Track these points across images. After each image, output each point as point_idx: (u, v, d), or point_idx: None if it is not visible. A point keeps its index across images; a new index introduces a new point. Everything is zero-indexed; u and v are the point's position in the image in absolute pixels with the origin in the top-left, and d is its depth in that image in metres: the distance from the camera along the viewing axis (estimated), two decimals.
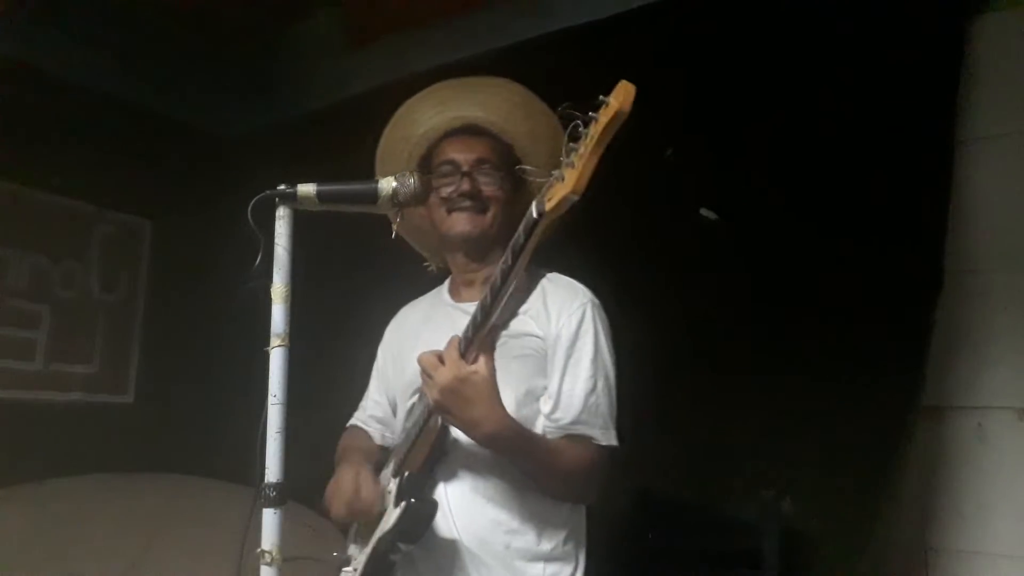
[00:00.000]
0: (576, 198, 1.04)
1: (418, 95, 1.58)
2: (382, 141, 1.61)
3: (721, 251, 2.41)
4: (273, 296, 1.19)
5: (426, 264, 1.70)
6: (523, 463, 1.29)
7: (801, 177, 2.24)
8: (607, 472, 1.36)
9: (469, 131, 1.50)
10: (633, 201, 2.30)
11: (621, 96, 0.97)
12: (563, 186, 1.04)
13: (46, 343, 3.13)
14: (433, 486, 1.34)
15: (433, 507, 1.28)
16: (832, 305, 2.15)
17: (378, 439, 1.63)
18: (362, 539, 1.42)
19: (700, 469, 2.29)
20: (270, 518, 1.14)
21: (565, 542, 1.35)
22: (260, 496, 1.14)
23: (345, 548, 1.50)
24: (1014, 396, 1.94)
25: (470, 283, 1.52)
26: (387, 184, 1.24)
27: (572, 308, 1.39)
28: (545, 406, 1.36)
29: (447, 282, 1.62)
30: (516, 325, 1.39)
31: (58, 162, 3.08)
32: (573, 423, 1.33)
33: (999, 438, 1.95)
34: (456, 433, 1.33)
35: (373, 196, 1.25)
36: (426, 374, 1.23)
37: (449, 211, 1.46)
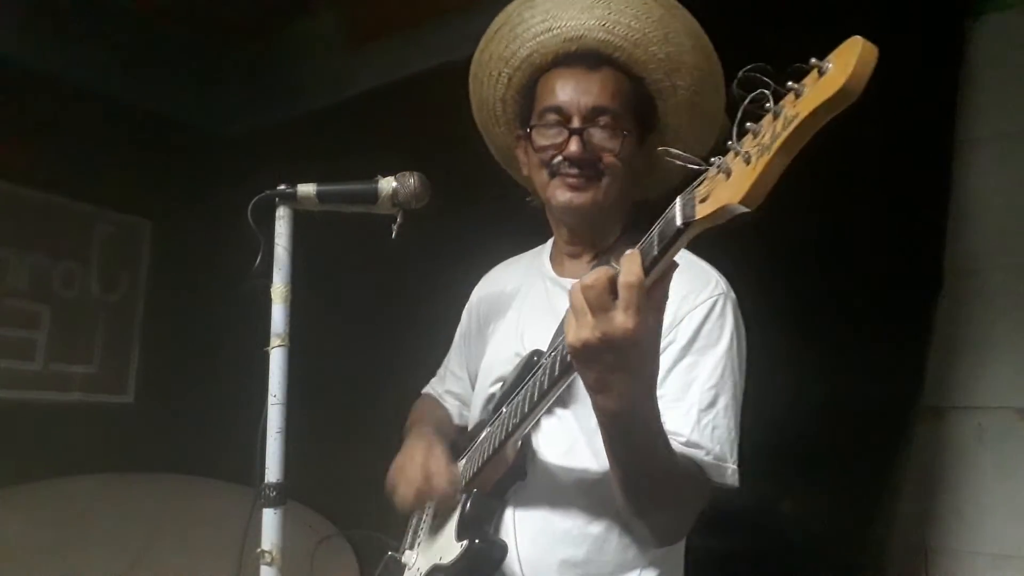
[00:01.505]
0: (745, 210, 0.70)
1: None
2: (476, 56, 1.30)
3: (719, 251, 2.40)
4: (273, 296, 1.19)
5: (529, 199, 1.38)
6: (640, 460, 0.95)
7: (800, 177, 2.24)
8: (699, 511, 1.07)
9: (586, 59, 1.17)
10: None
11: (852, 62, 0.60)
12: (728, 186, 0.70)
13: (46, 343, 3.13)
14: (502, 512, 1.14)
15: (501, 552, 1.10)
16: (832, 305, 2.15)
17: (456, 418, 1.43)
18: (422, 552, 1.25)
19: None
20: (270, 518, 1.14)
21: None
22: (260, 496, 1.14)
23: (400, 547, 1.36)
24: (1014, 396, 1.94)
25: (576, 255, 1.24)
26: (387, 184, 1.24)
27: (700, 298, 1.10)
28: None
29: (549, 245, 1.34)
30: None
31: (58, 162, 3.08)
32: (673, 438, 1.00)
33: (999, 438, 1.95)
34: (538, 444, 1.11)
35: (373, 196, 1.24)
36: (588, 306, 0.82)
37: (552, 175, 1.17)
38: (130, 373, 3.41)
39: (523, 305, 1.29)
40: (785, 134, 0.65)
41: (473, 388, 1.37)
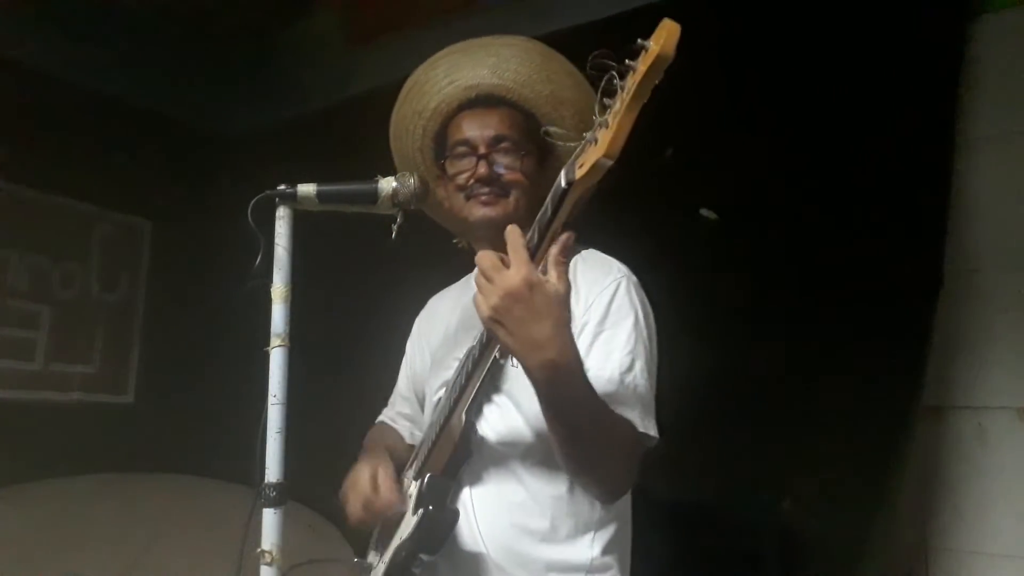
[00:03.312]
0: (610, 163, 0.89)
1: (428, 61, 1.44)
2: (394, 116, 1.50)
3: (719, 251, 2.40)
4: (273, 296, 1.19)
5: (455, 241, 1.54)
6: (574, 413, 1.06)
7: (800, 177, 2.24)
8: (637, 465, 1.17)
9: (485, 102, 1.36)
10: (633, 200, 2.30)
11: (663, 37, 0.83)
12: (596, 149, 0.89)
13: (46, 343, 3.13)
14: (457, 490, 1.22)
15: (453, 516, 1.17)
16: (832, 305, 2.15)
17: (407, 437, 1.54)
18: (382, 545, 1.32)
19: (699, 469, 2.29)
20: (270, 518, 1.14)
21: (605, 551, 1.20)
22: (260, 496, 1.14)
23: (365, 553, 1.43)
24: (1014, 396, 1.94)
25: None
26: (387, 184, 1.24)
27: (605, 282, 1.23)
28: None
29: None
30: None
31: (58, 162, 3.08)
32: (608, 401, 1.12)
33: (999, 438, 1.95)
34: (484, 430, 1.21)
35: (373, 196, 1.25)
36: (484, 276, 0.99)
37: (467, 197, 1.33)
38: (130, 373, 3.41)
39: (456, 319, 1.42)
40: (628, 97, 0.85)
41: (423, 408, 1.49)
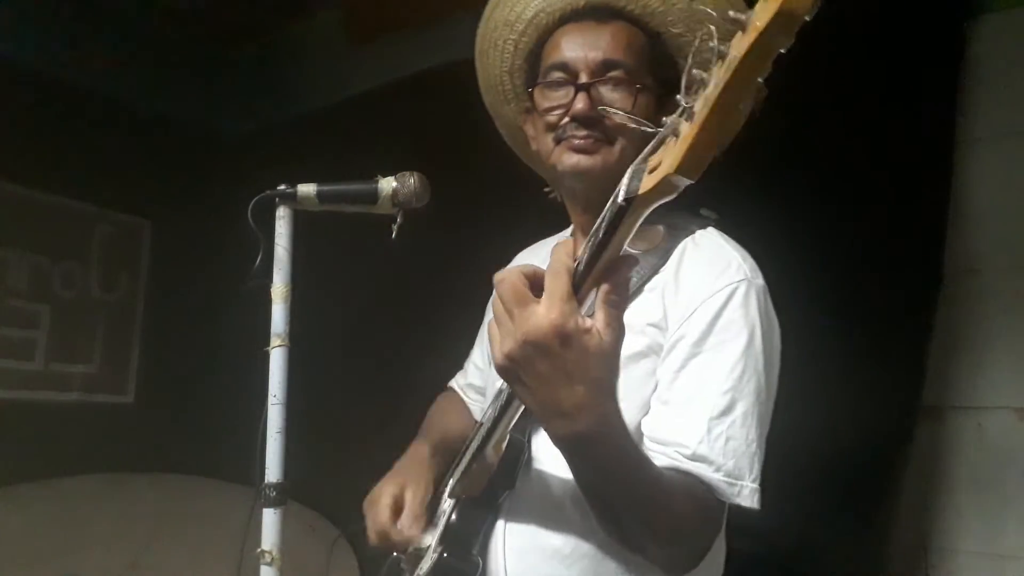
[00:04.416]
0: (686, 182, 0.60)
1: None
2: (481, 26, 1.20)
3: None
4: (273, 296, 1.19)
5: (547, 190, 1.28)
6: (610, 487, 0.80)
7: (800, 177, 2.24)
8: (716, 536, 0.93)
9: (597, 14, 1.06)
10: None
11: (774, 4, 0.49)
12: (671, 154, 0.59)
13: (46, 343, 3.13)
14: (493, 523, 1.01)
15: (473, 569, 0.98)
16: (832, 305, 2.15)
17: (476, 412, 1.31)
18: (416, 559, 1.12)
19: None
20: (270, 518, 1.14)
21: None
22: (260, 496, 1.14)
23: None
24: (1014, 396, 1.94)
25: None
26: (387, 184, 1.24)
27: (716, 286, 0.94)
28: (646, 421, 0.92)
29: (572, 226, 1.20)
30: (636, 311, 0.96)
31: (58, 162, 3.08)
32: (678, 451, 0.89)
33: (999, 438, 1.95)
34: (538, 452, 0.97)
35: (373, 196, 1.24)
36: (503, 309, 0.71)
37: (558, 140, 1.05)
38: (130, 373, 3.40)
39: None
40: (719, 88, 0.53)
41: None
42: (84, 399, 3.22)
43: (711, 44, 0.54)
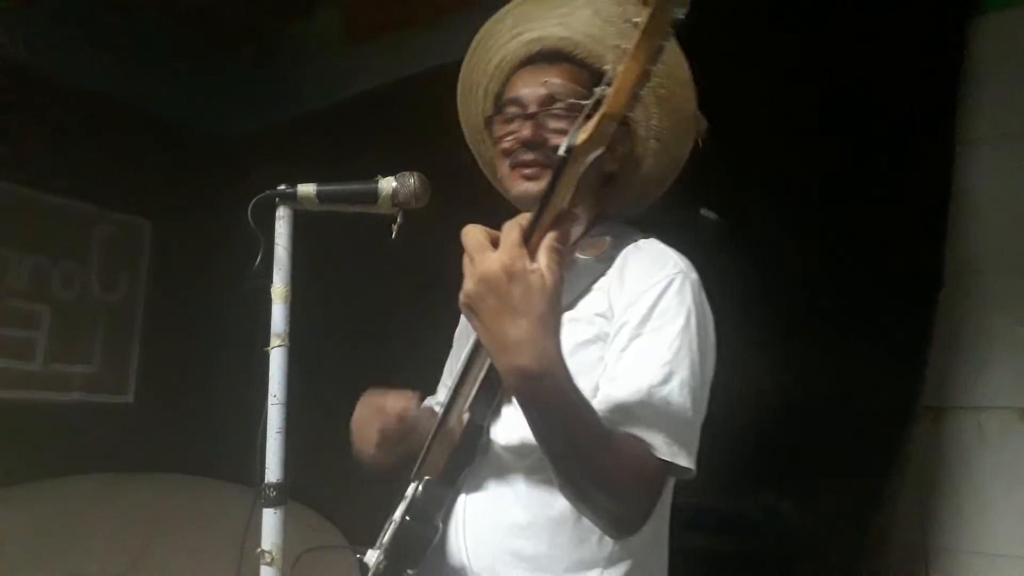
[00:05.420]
0: (614, 123, 0.79)
1: (498, 13, 1.27)
2: (461, 74, 1.34)
3: (720, 252, 2.40)
4: (273, 296, 1.19)
5: None
6: (558, 431, 0.90)
7: (801, 177, 2.24)
8: (658, 498, 1.00)
9: (548, 57, 1.20)
10: None
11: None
12: (600, 110, 0.79)
13: (46, 343, 3.13)
14: (455, 499, 1.08)
15: (431, 531, 1.05)
16: (832, 305, 2.15)
17: None
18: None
19: (699, 469, 2.29)
20: (270, 518, 1.14)
21: None
22: (260, 496, 1.14)
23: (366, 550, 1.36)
24: (1014, 396, 1.94)
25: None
26: (387, 184, 1.24)
27: (655, 278, 1.05)
28: (596, 400, 1.00)
29: None
30: (585, 305, 1.09)
31: (58, 162, 3.09)
32: (625, 417, 0.97)
33: (999, 438, 1.95)
34: (496, 434, 1.06)
35: (373, 196, 1.24)
36: (468, 255, 0.86)
37: (512, 166, 1.17)
38: (130, 373, 3.41)
39: None
40: (631, 53, 0.75)
41: None
42: (84, 399, 3.23)
43: (634, 20, 0.74)
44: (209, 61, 3.44)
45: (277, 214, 1.22)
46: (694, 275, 1.09)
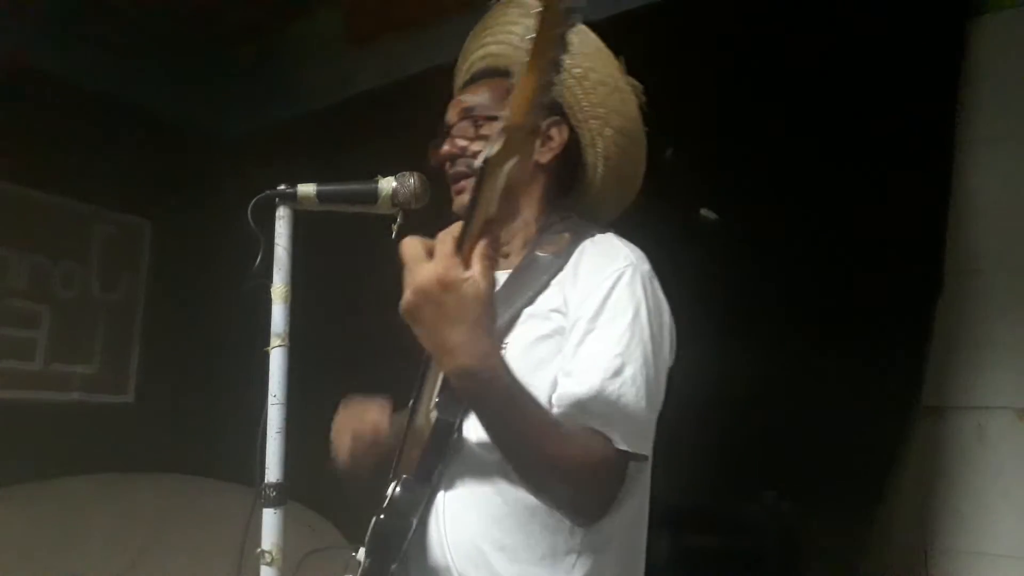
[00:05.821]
0: (518, 132, 0.82)
1: (479, 24, 1.29)
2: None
3: (720, 253, 2.41)
4: (273, 296, 1.19)
5: None
6: (505, 425, 0.96)
7: (800, 178, 2.24)
8: (619, 487, 1.04)
9: (490, 74, 1.24)
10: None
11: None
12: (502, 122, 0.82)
13: (46, 343, 3.13)
14: (433, 496, 1.10)
15: (403, 528, 1.07)
16: (832, 305, 2.15)
17: None
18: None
19: (700, 469, 2.29)
20: (270, 518, 1.14)
21: None
22: (260, 496, 1.14)
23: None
24: (1014, 396, 1.94)
25: (504, 255, 1.20)
26: (387, 184, 1.24)
27: (605, 272, 1.08)
28: (555, 395, 1.04)
29: None
30: (543, 300, 1.11)
31: (58, 162, 3.08)
32: (581, 411, 1.00)
33: (999, 438, 1.95)
34: (468, 431, 1.08)
35: (373, 196, 1.24)
36: (406, 268, 0.91)
37: (450, 182, 1.22)
38: (130, 373, 3.40)
39: None
40: (526, 65, 0.77)
41: None
42: (84, 399, 3.22)
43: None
44: (209, 61, 3.44)
45: (277, 214, 1.22)
46: (645, 266, 1.11)
